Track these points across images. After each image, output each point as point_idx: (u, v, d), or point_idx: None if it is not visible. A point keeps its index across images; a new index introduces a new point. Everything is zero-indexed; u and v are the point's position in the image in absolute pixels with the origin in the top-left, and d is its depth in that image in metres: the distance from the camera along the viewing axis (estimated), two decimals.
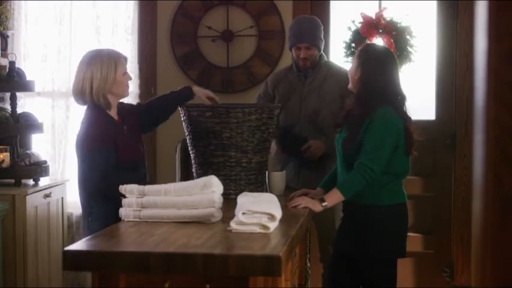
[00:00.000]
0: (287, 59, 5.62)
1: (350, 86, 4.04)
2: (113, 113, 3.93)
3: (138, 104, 4.35)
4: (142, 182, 3.60)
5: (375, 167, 3.78)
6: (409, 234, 5.60)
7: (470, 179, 5.58)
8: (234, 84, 5.71)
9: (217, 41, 5.73)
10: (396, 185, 3.98)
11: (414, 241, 5.68)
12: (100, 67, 3.85)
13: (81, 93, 3.87)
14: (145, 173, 4.02)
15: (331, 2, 5.76)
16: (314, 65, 4.75)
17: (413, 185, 5.61)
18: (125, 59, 3.98)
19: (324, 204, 3.78)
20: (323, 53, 4.82)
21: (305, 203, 3.76)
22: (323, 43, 4.78)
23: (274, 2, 5.66)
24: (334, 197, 3.83)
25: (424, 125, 5.65)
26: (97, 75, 3.83)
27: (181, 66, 5.76)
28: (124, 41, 5.72)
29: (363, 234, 3.93)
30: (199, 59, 5.74)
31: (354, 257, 3.99)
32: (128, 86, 3.96)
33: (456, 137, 5.65)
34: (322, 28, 4.78)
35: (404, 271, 5.65)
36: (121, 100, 4.04)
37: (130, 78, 3.97)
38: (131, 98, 5.22)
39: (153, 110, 4.20)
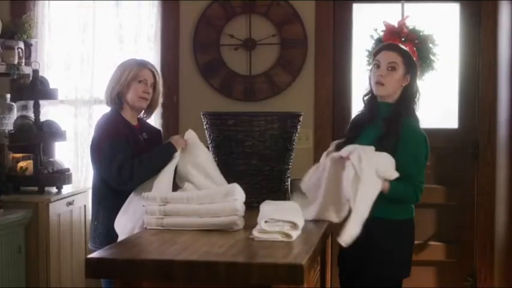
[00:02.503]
0: (309, 68, 5.64)
1: (383, 93, 3.83)
2: (128, 116, 3.97)
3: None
4: None
5: (422, 188, 3.68)
6: (431, 242, 5.65)
7: (493, 187, 5.54)
8: (255, 92, 5.71)
9: (240, 49, 5.73)
10: None
11: (436, 250, 5.66)
12: (118, 69, 3.98)
13: (105, 92, 3.99)
14: None
15: (354, 9, 5.75)
16: None
17: (436, 193, 5.58)
18: (152, 72, 4.02)
19: None
20: None
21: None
22: None
23: (297, 11, 5.66)
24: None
25: (446, 133, 5.64)
26: (113, 75, 3.97)
27: (204, 75, 5.76)
28: (147, 49, 5.75)
29: (370, 250, 3.70)
30: (221, 67, 5.75)
31: (358, 273, 3.81)
32: (142, 98, 3.97)
33: (479, 146, 5.61)
34: None
35: (427, 280, 5.63)
36: (139, 116, 4.13)
37: (146, 91, 3.98)
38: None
39: None
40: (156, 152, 3.81)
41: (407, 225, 3.84)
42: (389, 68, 3.81)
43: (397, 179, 3.62)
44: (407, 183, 3.66)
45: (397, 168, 3.62)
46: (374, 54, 3.96)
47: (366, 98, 3.97)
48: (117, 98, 3.93)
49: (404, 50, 3.98)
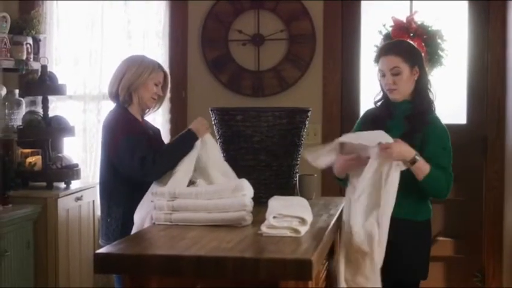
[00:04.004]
0: (318, 63, 5.63)
1: (399, 96, 3.73)
2: (135, 113, 3.97)
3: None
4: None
5: (452, 182, 3.65)
6: (439, 238, 5.65)
7: (502, 183, 5.53)
8: (264, 88, 5.71)
9: (248, 44, 5.73)
10: (428, 198, 3.78)
11: (445, 245, 5.65)
12: (138, 65, 3.95)
13: (111, 86, 3.97)
14: None
15: (362, 6, 5.74)
16: None
17: None
18: (165, 75, 4.06)
19: (417, 157, 3.49)
20: None
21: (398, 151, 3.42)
22: None
23: (305, 6, 5.65)
24: (424, 165, 3.53)
25: (455, 129, 5.59)
26: (132, 70, 3.93)
27: (212, 70, 5.77)
28: (155, 45, 5.75)
29: (388, 252, 3.43)
30: (229, 62, 5.75)
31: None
32: (153, 99, 4.00)
33: (487, 141, 5.60)
34: None
35: (435, 276, 5.62)
36: (145, 117, 4.13)
37: (159, 93, 4.01)
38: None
39: None
40: (177, 142, 3.79)
41: (426, 226, 3.77)
42: (394, 74, 3.71)
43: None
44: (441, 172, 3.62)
45: (428, 163, 3.57)
46: (375, 61, 3.83)
47: (378, 103, 3.88)
48: (128, 94, 3.93)
49: (400, 46, 3.84)
